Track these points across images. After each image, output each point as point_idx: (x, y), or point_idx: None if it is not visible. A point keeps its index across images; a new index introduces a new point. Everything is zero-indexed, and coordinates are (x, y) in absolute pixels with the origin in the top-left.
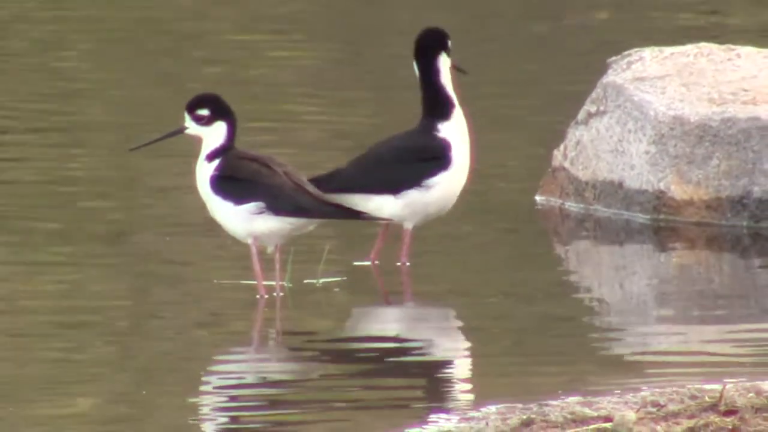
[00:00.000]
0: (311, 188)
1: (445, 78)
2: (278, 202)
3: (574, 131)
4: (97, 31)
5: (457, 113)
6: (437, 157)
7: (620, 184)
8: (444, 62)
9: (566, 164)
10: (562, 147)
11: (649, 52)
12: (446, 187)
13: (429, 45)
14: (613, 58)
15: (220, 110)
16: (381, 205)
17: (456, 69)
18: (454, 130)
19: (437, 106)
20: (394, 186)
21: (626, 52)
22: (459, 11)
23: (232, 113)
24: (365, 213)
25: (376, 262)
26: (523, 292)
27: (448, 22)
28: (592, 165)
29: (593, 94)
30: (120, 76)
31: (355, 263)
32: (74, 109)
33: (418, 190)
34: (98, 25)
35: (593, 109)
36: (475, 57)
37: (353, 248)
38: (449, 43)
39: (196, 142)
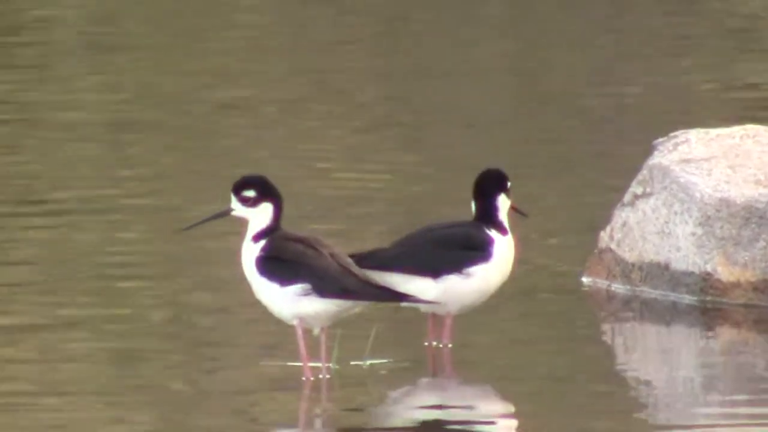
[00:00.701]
0: (357, 270)
1: (503, 214)
2: (324, 284)
3: (621, 213)
4: None
5: (510, 236)
6: (480, 248)
7: (666, 266)
8: (503, 202)
9: (613, 246)
10: (608, 228)
11: (695, 134)
12: (485, 278)
13: (488, 185)
14: (659, 139)
15: (266, 191)
16: (420, 288)
17: (515, 210)
18: (502, 239)
19: (492, 223)
20: (434, 269)
21: (672, 134)
22: (505, 93)
23: (278, 194)
24: (411, 296)
25: (434, 342)
26: (569, 374)
27: (494, 105)
28: (638, 246)
29: (639, 176)
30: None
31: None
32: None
33: (458, 276)
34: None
35: (639, 190)
36: (519, 140)
37: (400, 330)
38: (508, 184)
39: (242, 223)
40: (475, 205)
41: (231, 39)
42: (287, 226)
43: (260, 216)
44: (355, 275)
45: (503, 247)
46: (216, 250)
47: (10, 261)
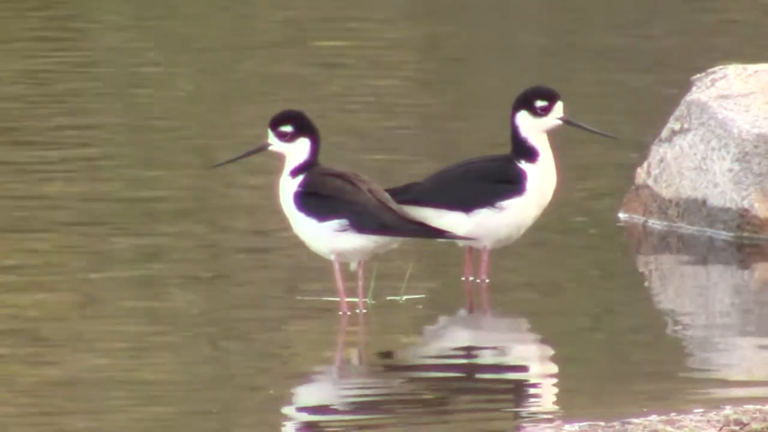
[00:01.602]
0: (395, 206)
1: (528, 132)
2: (362, 220)
3: (658, 149)
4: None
5: (544, 159)
6: (512, 182)
7: (704, 202)
8: (523, 118)
9: (650, 182)
10: (645, 164)
11: (733, 70)
12: (518, 212)
13: (515, 102)
14: (697, 75)
15: (303, 126)
16: (453, 222)
17: (566, 122)
18: (536, 169)
19: (521, 152)
20: (466, 204)
21: (710, 70)
22: (548, 23)
23: (315, 129)
24: (448, 232)
25: (471, 278)
26: (606, 309)
27: (533, 37)
28: (675, 183)
29: (677, 112)
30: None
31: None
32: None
33: (490, 210)
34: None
35: (677, 126)
36: (558, 72)
37: (435, 264)
38: (538, 102)
39: (280, 158)
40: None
41: None
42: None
43: (298, 151)
44: (393, 211)
45: (535, 178)
46: (253, 186)
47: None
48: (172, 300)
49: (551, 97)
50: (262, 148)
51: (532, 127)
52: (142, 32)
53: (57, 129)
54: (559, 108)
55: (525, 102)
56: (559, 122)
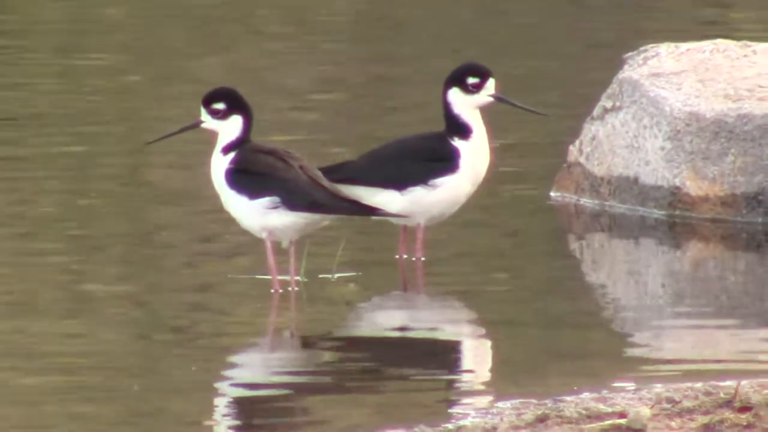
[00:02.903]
0: (327, 183)
1: (460, 108)
2: (293, 197)
3: (590, 126)
4: None
5: (477, 136)
6: (445, 160)
7: (635, 180)
8: (455, 95)
9: (582, 160)
10: (577, 142)
11: (665, 48)
12: (451, 189)
13: (447, 79)
14: (629, 53)
15: (236, 104)
16: (386, 201)
17: (498, 99)
18: (469, 146)
19: (454, 129)
20: (399, 182)
21: (642, 48)
22: (473, 5)
23: (248, 107)
24: (380, 209)
25: (404, 256)
26: (537, 288)
27: (459, 17)
28: (607, 161)
29: (609, 90)
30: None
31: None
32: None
33: (423, 188)
34: None
35: (609, 104)
36: (489, 52)
37: (368, 242)
38: (470, 78)
39: (212, 135)
40: (442, 96)
41: None
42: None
43: (230, 128)
44: (324, 188)
45: (469, 156)
46: (181, 164)
47: None
48: (98, 276)
49: (483, 74)
50: (195, 125)
51: (464, 104)
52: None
53: None
54: (491, 85)
55: (457, 79)
56: (491, 99)
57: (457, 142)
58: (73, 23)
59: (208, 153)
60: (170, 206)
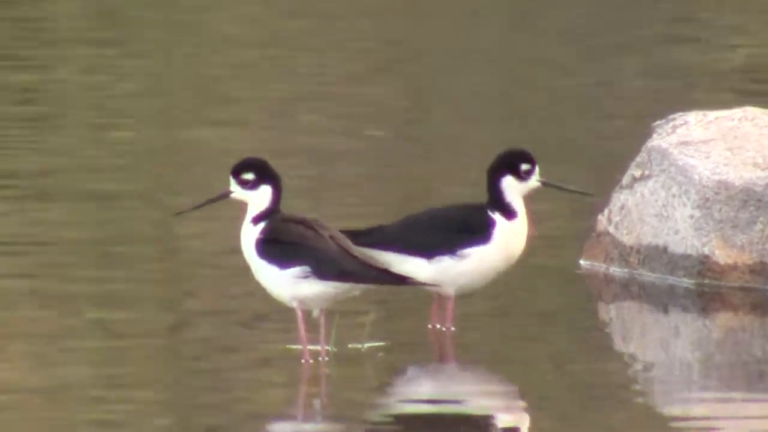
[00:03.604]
0: (357, 252)
1: (512, 195)
2: (323, 267)
3: (619, 195)
4: None
5: (520, 218)
6: (477, 231)
7: (664, 249)
8: (508, 182)
9: (611, 229)
10: (606, 211)
11: (693, 117)
12: (480, 260)
13: (495, 167)
14: (658, 122)
15: (265, 174)
16: (414, 269)
17: (545, 184)
18: (509, 225)
19: (500, 210)
20: (427, 250)
21: (671, 116)
22: (502, 72)
23: (277, 177)
24: (410, 279)
25: (437, 326)
26: (568, 357)
27: (484, 84)
28: (636, 229)
29: (638, 158)
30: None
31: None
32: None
33: (451, 257)
34: None
35: (638, 173)
36: (517, 120)
37: (399, 311)
38: (523, 166)
39: (242, 206)
40: (487, 186)
41: None
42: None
43: (259, 198)
44: (355, 257)
45: (506, 231)
46: (215, 231)
47: None
48: (133, 331)
49: (533, 161)
50: (224, 195)
51: (516, 191)
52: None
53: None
54: (538, 171)
55: (510, 166)
56: (539, 184)
57: (497, 216)
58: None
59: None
60: (199, 270)
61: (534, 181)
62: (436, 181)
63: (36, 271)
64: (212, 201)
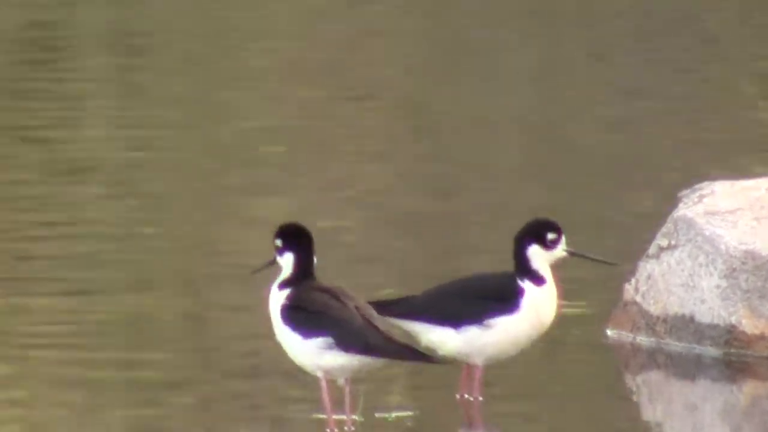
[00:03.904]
0: (381, 324)
1: (539, 264)
2: (347, 338)
3: (646, 265)
4: None
5: (549, 285)
6: (504, 300)
7: (691, 318)
8: (534, 251)
9: (638, 298)
10: (633, 281)
11: (720, 186)
12: (508, 330)
13: (522, 236)
14: (684, 191)
15: (287, 241)
16: (442, 338)
17: (572, 254)
18: (539, 291)
19: (528, 277)
20: (455, 319)
21: (697, 186)
22: (529, 138)
23: (301, 245)
24: (434, 357)
25: (465, 395)
26: (594, 427)
27: (512, 149)
28: (663, 299)
29: (664, 228)
30: None
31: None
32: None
33: (478, 327)
34: None
35: (664, 243)
36: (544, 189)
37: (426, 380)
38: (549, 235)
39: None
40: (514, 254)
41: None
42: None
43: (285, 265)
44: (379, 330)
45: (534, 299)
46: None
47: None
48: (159, 404)
49: (560, 230)
50: (271, 263)
51: (543, 259)
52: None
53: None
54: (564, 240)
55: (536, 235)
56: (566, 254)
57: (526, 284)
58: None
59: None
60: (226, 329)
61: (560, 251)
62: (466, 250)
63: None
64: (264, 267)
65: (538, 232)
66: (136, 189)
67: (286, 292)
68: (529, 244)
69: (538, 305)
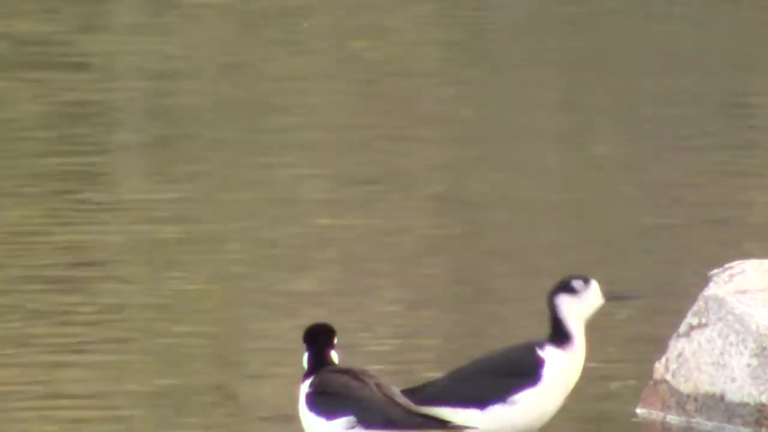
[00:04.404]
0: (402, 399)
1: (569, 317)
2: (368, 416)
3: (676, 343)
4: None
5: (577, 346)
6: (525, 373)
7: (722, 397)
8: (563, 301)
9: (668, 377)
10: (663, 359)
11: (750, 265)
12: (532, 404)
13: (550, 295)
14: (715, 270)
15: (305, 339)
16: (468, 420)
17: (612, 299)
18: (563, 356)
19: (555, 334)
20: (479, 400)
21: (728, 265)
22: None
23: (313, 344)
24: (453, 423)
25: None
26: None
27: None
28: (693, 377)
29: (695, 307)
30: None
31: None
32: None
33: (502, 405)
34: None
35: (695, 321)
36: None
37: None
38: (574, 283)
39: None
40: (549, 313)
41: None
42: None
43: (305, 362)
44: (398, 404)
45: (556, 367)
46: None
47: None
48: None
49: (588, 278)
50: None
51: (573, 310)
52: None
53: None
54: (596, 286)
55: (563, 284)
56: (601, 301)
57: (546, 352)
58: None
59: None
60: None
61: (593, 297)
62: (494, 321)
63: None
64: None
65: (565, 282)
66: None
67: (309, 380)
68: (557, 294)
69: (561, 372)
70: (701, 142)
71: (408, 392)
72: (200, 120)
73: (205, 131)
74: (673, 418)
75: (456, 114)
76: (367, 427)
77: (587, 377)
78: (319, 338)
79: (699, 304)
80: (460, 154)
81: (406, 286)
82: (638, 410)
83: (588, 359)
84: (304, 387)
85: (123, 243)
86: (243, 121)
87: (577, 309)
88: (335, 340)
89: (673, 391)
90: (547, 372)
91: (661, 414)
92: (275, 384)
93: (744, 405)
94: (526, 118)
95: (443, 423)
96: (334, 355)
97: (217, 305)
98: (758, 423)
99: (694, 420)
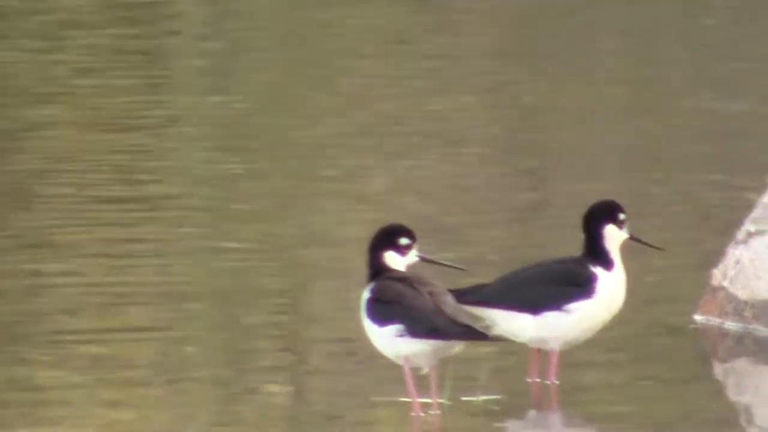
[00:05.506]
0: (449, 308)
1: (610, 244)
2: (415, 325)
3: (734, 250)
4: None
5: (618, 269)
6: (581, 284)
7: None
8: (610, 233)
9: (725, 283)
10: (721, 266)
11: None
12: (586, 315)
13: (594, 216)
14: None
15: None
16: (520, 324)
17: (633, 239)
18: (609, 275)
19: (598, 259)
20: (533, 306)
21: None
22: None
23: (370, 247)
24: (495, 335)
25: (537, 380)
26: (681, 414)
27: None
28: (751, 284)
29: (753, 214)
30: None
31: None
32: None
33: (557, 312)
34: None
35: (753, 228)
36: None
37: (512, 364)
38: (620, 215)
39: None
40: (584, 238)
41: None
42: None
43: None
44: (445, 314)
45: (608, 283)
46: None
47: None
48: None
49: (625, 212)
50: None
51: (615, 239)
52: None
53: None
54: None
55: (609, 216)
56: (627, 236)
57: (597, 269)
58: None
59: None
60: (318, 331)
61: (625, 233)
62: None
63: None
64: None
65: (610, 212)
66: None
67: (370, 286)
68: (604, 225)
69: (611, 289)
70: None
71: (459, 293)
72: None
73: None
74: (730, 325)
75: None
76: (413, 335)
77: (645, 285)
78: (379, 242)
79: (757, 211)
80: None
81: None
82: (696, 317)
83: (645, 267)
84: (366, 293)
85: None
86: None
87: (619, 240)
88: (402, 241)
89: (731, 298)
90: (600, 286)
91: (719, 320)
92: None
93: None
94: None
95: (484, 334)
96: (395, 257)
97: None
98: None
99: (751, 326)
